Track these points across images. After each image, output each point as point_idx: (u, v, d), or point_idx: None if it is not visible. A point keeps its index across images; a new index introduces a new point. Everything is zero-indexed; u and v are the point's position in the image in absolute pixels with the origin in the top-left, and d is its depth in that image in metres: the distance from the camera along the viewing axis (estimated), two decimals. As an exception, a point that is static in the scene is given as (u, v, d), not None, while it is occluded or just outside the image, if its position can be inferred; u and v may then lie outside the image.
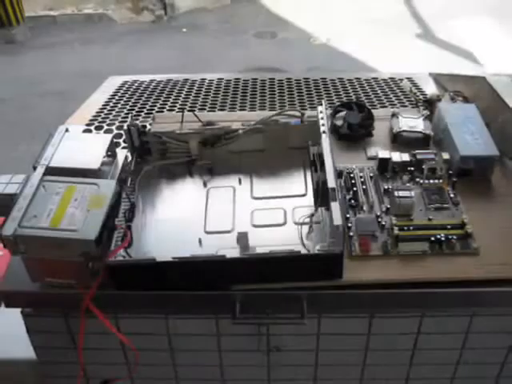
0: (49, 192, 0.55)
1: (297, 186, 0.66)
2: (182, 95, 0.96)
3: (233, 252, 0.54)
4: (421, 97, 0.87)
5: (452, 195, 0.62)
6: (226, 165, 0.69)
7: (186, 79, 1.02)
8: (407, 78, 0.96)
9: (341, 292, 0.54)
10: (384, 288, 0.54)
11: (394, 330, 0.59)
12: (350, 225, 0.59)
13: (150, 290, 0.55)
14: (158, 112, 0.89)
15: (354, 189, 0.63)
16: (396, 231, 0.57)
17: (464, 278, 0.54)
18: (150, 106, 0.92)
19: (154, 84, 1.00)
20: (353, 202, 0.62)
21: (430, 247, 0.56)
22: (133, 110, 0.91)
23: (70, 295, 0.54)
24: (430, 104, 0.79)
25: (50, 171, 0.58)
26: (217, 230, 0.60)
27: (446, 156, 0.65)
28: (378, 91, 0.94)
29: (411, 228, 0.58)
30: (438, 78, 0.95)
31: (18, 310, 0.59)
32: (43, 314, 0.59)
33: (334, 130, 0.74)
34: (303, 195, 0.64)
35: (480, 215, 0.60)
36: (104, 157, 0.62)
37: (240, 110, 0.89)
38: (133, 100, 0.94)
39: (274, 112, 0.71)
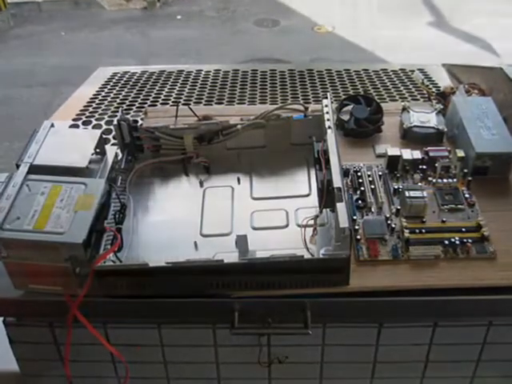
0: (33, 192, 0.55)
1: (300, 185, 0.66)
2: (177, 88, 0.96)
3: (231, 256, 0.54)
4: (433, 89, 0.87)
5: (467, 195, 0.62)
6: (223, 163, 0.69)
7: (181, 71, 1.02)
8: (419, 70, 0.96)
9: (347, 300, 0.54)
10: (394, 295, 0.54)
11: (404, 341, 0.59)
12: (357, 227, 0.59)
13: (142, 297, 0.55)
14: (150, 106, 0.89)
15: (362, 188, 0.63)
16: (407, 234, 0.57)
17: (480, 284, 0.54)
18: (142, 100, 0.92)
19: (146, 76, 1.01)
20: (360, 202, 0.62)
21: (444, 251, 0.56)
22: (123, 103, 0.91)
23: (56, 303, 0.54)
24: (443, 97, 0.79)
25: (35, 170, 0.58)
26: (214, 232, 0.60)
27: (460, 153, 0.65)
28: (388, 83, 0.94)
29: (423, 231, 0.58)
30: (451, 70, 0.96)
31: (-1, 319, 0.60)
32: (27, 323, 0.59)
33: (340, 126, 0.74)
34: (307, 195, 0.64)
35: (497, 217, 0.60)
36: (92, 154, 0.62)
37: (239, 103, 0.89)
38: (123, 93, 0.94)
39: (276, 106, 0.71)
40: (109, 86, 0.97)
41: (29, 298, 0.55)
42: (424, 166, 0.65)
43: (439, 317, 0.57)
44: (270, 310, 0.55)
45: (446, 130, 0.71)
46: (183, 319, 0.58)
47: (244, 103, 0.88)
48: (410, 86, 0.93)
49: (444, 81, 0.92)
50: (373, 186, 0.63)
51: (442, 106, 0.75)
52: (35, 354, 0.62)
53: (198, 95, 0.92)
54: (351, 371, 0.62)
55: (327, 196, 0.55)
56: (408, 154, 0.66)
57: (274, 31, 3.58)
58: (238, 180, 0.67)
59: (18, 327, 0.60)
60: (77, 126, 0.83)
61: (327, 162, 0.57)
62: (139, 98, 0.92)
